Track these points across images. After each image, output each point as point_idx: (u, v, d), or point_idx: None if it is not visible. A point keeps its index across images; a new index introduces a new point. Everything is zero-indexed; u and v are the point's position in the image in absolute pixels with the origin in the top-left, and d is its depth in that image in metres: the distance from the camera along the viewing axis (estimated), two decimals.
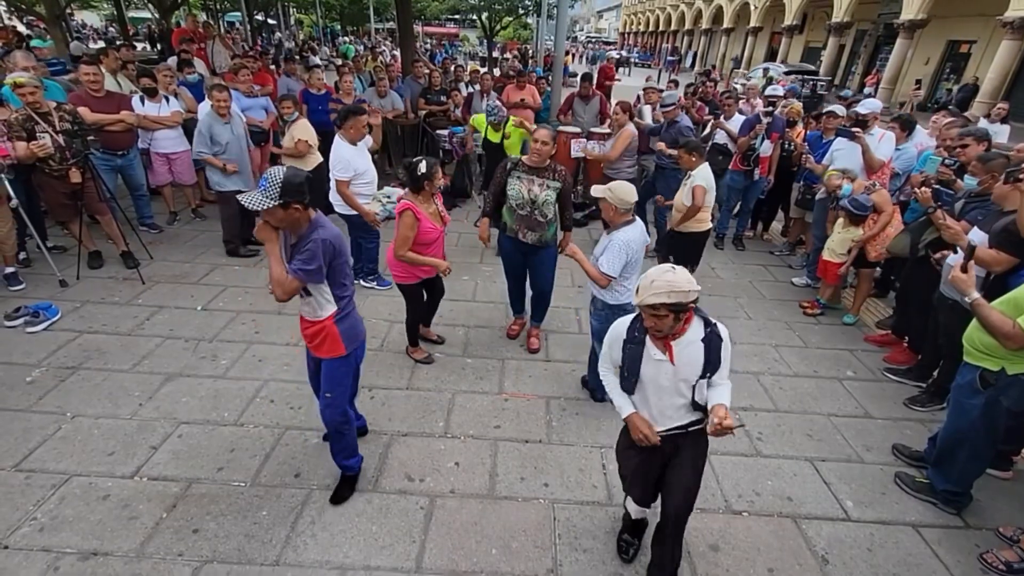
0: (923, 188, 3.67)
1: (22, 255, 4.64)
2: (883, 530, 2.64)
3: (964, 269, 2.35)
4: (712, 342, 1.92)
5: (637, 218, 2.93)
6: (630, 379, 2.01)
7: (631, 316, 2.03)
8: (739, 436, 3.21)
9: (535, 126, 4.06)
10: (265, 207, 2.02)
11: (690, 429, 2.03)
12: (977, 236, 2.97)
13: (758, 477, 2.92)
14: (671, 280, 1.78)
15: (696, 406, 1.99)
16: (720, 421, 1.82)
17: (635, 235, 2.88)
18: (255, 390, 3.35)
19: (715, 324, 1.94)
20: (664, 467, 2.14)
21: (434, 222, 3.27)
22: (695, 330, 1.92)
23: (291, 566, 2.30)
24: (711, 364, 1.92)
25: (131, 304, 4.24)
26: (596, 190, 2.91)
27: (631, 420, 2.05)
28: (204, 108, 5.41)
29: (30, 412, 3.06)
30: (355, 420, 2.74)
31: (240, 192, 4.75)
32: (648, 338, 1.95)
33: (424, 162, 3.13)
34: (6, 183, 3.95)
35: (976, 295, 2.32)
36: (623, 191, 2.81)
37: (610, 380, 2.14)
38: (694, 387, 1.95)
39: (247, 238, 5.19)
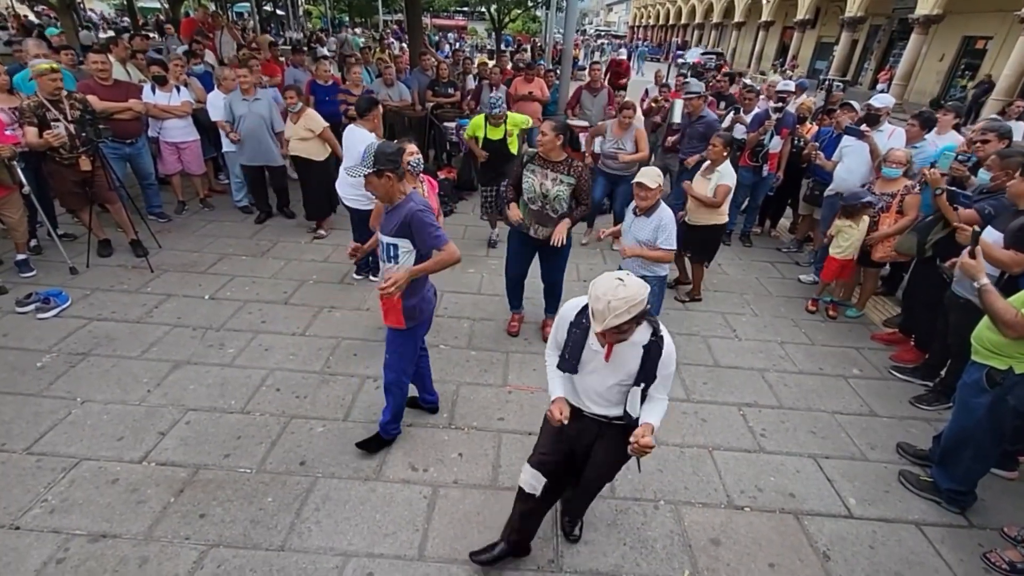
0: (933, 170, 3.62)
1: (33, 242, 4.69)
2: (885, 528, 2.63)
3: (972, 254, 2.34)
4: (651, 351, 1.82)
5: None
6: (571, 361, 1.95)
7: (583, 301, 1.91)
8: (742, 432, 3.22)
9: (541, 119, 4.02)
10: (360, 175, 2.31)
11: (613, 422, 2.00)
12: (991, 235, 2.93)
13: (760, 473, 2.92)
14: (626, 296, 1.66)
15: (625, 411, 1.93)
16: (637, 440, 1.78)
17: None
18: (261, 378, 3.38)
19: (661, 335, 1.83)
20: (580, 454, 2.16)
21: None
22: (639, 333, 1.82)
23: (295, 552, 2.33)
24: (645, 374, 1.83)
25: (140, 292, 4.28)
26: (649, 180, 3.20)
27: (553, 402, 2.01)
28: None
29: (41, 397, 3.11)
30: (429, 396, 3.16)
31: (257, 167, 5.48)
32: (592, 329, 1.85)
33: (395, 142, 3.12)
34: (19, 170, 3.99)
35: (986, 280, 2.32)
36: (656, 172, 3.29)
37: (551, 361, 2.08)
38: (627, 394, 1.89)
39: (280, 206, 5.99)
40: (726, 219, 4.40)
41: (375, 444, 2.87)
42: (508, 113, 5.16)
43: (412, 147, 3.21)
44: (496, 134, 4.99)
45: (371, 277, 4.69)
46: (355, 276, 4.74)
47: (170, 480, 2.63)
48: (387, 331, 2.65)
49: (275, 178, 5.80)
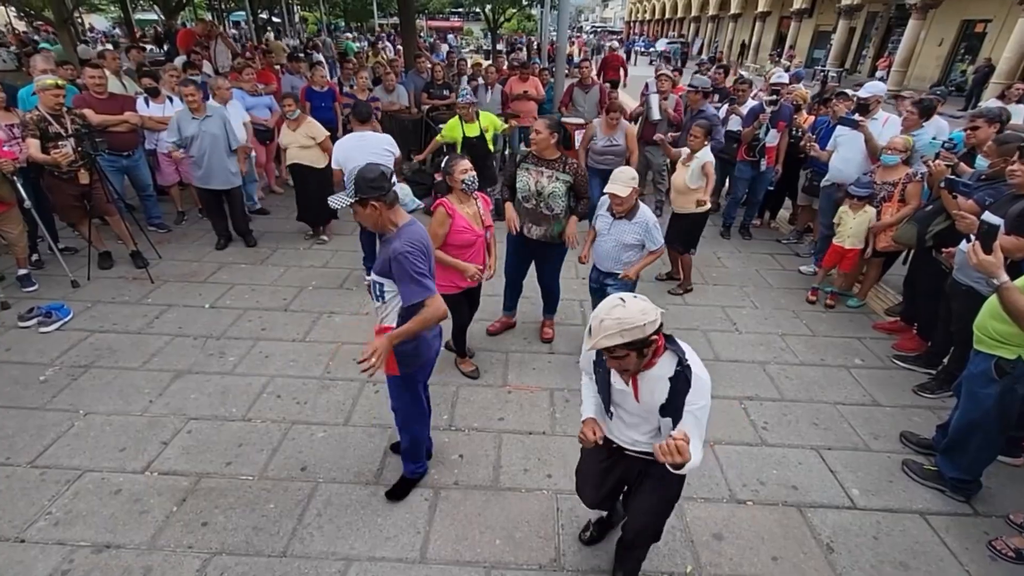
0: (937, 161, 3.59)
1: (34, 257, 4.73)
2: (889, 518, 2.62)
3: (990, 250, 2.25)
4: (678, 383, 1.64)
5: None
6: (602, 396, 1.88)
7: None
8: (744, 425, 3.20)
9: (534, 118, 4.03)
10: (344, 205, 2.05)
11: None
12: (993, 218, 2.90)
13: (763, 466, 2.90)
14: (620, 317, 1.54)
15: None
16: (668, 445, 1.49)
17: (605, 199, 3.26)
18: (262, 386, 3.40)
19: (687, 364, 1.65)
20: (625, 483, 2.08)
21: (472, 223, 3.05)
22: (665, 365, 1.68)
23: (298, 557, 2.33)
24: (672, 408, 1.67)
25: (141, 303, 4.31)
26: (619, 189, 3.08)
27: (584, 423, 1.91)
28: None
29: (44, 410, 3.13)
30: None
31: (213, 190, 4.96)
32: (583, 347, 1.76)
33: (445, 158, 3.09)
34: (19, 186, 4.03)
35: (1006, 278, 2.19)
36: (628, 175, 3.14)
37: (586, 381, 2.00)
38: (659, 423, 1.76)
39: (240, 232, 5.41)
40: (708, 207, 4.43)
41: (402, 489, 2.65)
42: (481, 112, 5.19)
43: (465, 163, 2.99)
44: (472, 131, 4.96)
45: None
46: (366, 277, 4.76)
47: (172, 489, 2.64)
48: (387, 379, 2.43)
49: (233, 202, 5.23)
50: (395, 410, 2.52)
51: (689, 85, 5.46)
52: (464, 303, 3.35)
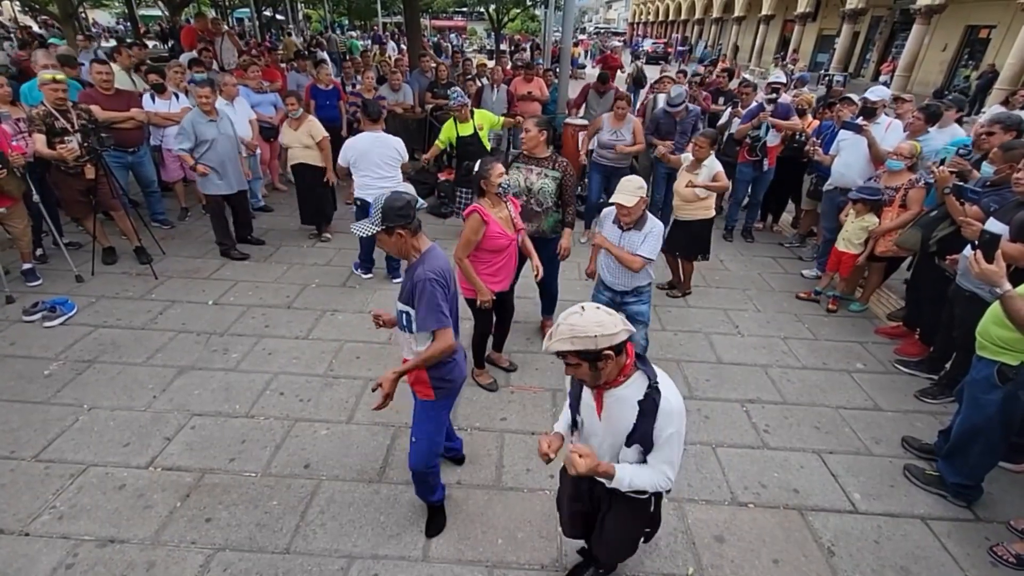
0: (942, 168, 3.59)
1: (39, 251, 4.74)
2: (891, 522, 2.62)
3: (991, 259, 2.26)
4: (646, 409, 1.56)
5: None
6: (571, 406, 1.85)
7: None
8: (746, 428, 3.21)
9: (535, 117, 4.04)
10: (370, 233, 2.02)
11: (620, 491, 1.71)
12: (995, 227, 2.91)
13: (764, 469, 2.91)
14: (574, 324, 1.49)
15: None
16: (574, 450, 1.56)
17: (610, 210, 3.14)
18: (265, 383, 3.41)
19: (659, 390, 1.56)
20: (597, 512, 1.98)
21: (504, 228, 3.02)
22: (634, 388, 1.60)
23: (300, 554, 2.34)
24: (640, 436, 1.59)
25: (144, 299, 4.32)
26: (626, 199, 2.91)
27: (544, 433, 1.90)
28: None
29: (48, 404, 3.14)
30: (448, 442, 2.69)
31: (225, 195, 4.84)
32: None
33: (478, 162, 2.99)
34: (28, 180, 4.04)
35: (1009, 286, 2.20)
36: (636, 184, 2.96)
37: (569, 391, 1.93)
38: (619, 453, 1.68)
39: (243, 237, 5.26)
40: (713, 213, 4.43)
41: (439, 517, 2.51)
42: (476, 110, 5.20)
43: (499, 167, 2.93)
44: (466, 130, 4.99)
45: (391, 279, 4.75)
46: (364, 276, 4.80)
47: (176, 485, 2.65)
48: (414, 402, 2.32)
49: (239, 204, 5.10)
50: (414, 446, 2.28)
51: (670, 104, 5.44)
52: (488, 310, 3.21)
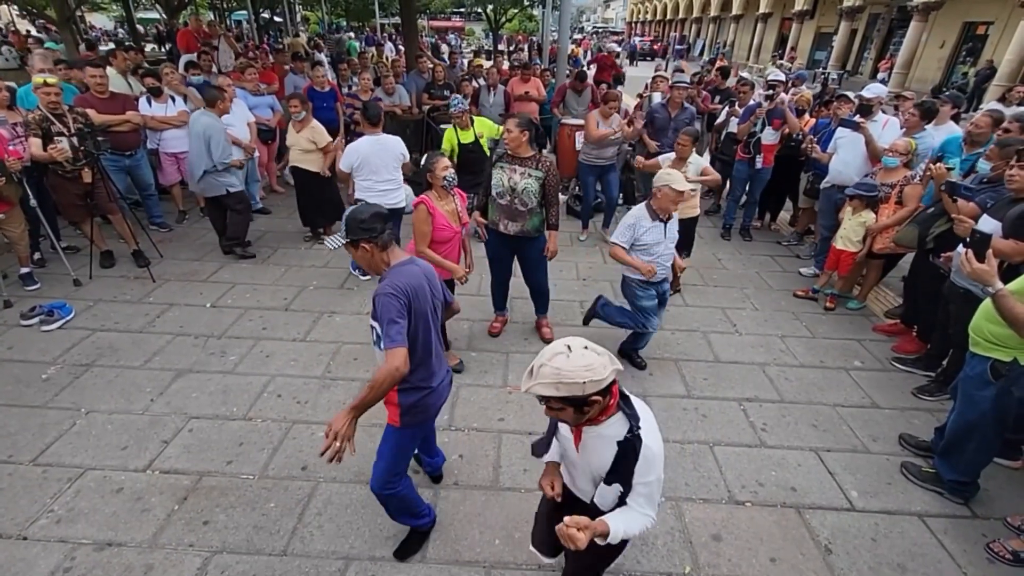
0: (939, 164, 3.59)
1: (37, 255, 4.74)
2: (888, 520, 2.62)
3: (983, 259, 2.27)
4: (626, 452, 1.47)
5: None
6: (544, 441, 1.76)
7: None
8: (743, 427, 3.21)
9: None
10: (336, 246, 1.96)
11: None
12: (988, 224, 2.91)
13: (762, 467, 2.91)
14: (560, 368, 1.35)
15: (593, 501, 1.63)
16: (569, 523, 1.42)
17: (640, 211, 3.32)
18: (263, 385, 3.41)
19: (638, 435, 1.47)
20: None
21: (450, 220, 3.15)
22: (614, 426, 1.51)
23: (298, 556, 2.35)
24: (619, 476, 1.51)
25: (142, 302, 4.32)
26: (679, 180, 3.15)
27: (547, 467, 1.81)
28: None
29: (46, 408, 3.15)
30: (428, 458, 2.66)
31: (234, 191, 4.88)
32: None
33: (425, 156, 3.15)
34: (25, 184, 4.05)
35: (1000, 285, 2.21)
36: (679, 174, 3.20)
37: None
38: (597, 487, 1.58)
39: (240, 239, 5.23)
40: (698, 212, 4.52)
41: (416, 542, 2.40)
42: (476, 117, 5.19)
43: (444, 161, 3.05)
44: (467, 137, 5.00)
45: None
46: (362, 278, 4.79)
47: (174, 488, 2.66)
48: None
49: (237, 204, 4.99)
50: (376, 460, 2.15)
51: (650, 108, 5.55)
52: None
